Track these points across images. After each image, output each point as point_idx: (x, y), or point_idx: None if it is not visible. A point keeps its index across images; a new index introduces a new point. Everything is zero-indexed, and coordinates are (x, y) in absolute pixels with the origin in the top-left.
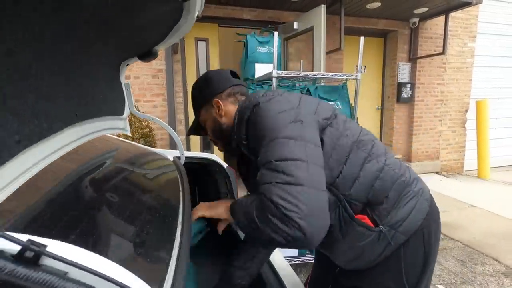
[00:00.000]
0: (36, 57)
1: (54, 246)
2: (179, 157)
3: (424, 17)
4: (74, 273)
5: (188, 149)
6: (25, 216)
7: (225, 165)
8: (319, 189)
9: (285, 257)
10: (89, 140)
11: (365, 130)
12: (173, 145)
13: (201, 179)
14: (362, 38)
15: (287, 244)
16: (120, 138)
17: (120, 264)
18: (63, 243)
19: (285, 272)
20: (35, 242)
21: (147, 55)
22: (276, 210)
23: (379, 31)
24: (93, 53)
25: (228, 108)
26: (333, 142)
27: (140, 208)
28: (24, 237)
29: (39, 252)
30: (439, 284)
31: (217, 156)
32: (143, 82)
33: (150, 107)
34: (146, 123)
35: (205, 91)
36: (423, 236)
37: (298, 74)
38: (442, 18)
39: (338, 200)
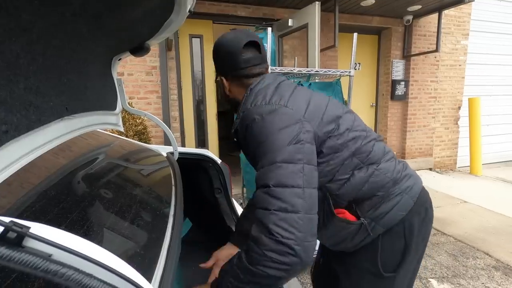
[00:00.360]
0: (24, 48)
1: (38, 228)
2: (172, 153)
3: (417, 15)
4: (58, 255)
5: (183, 146)
6: (12, 206)
7: (219, 161)
8: (313, 213)
9: None
10: (82, 136)
11: (370, 133)
12: (167, 143)
13: (195, 174)
14: (355, 35)
15: (288, 275)
16: (113, 134)
17: (111, 252)
18: (47, 226)
19: None
20: (18, 223)
21: (139, 49)
22: (272, 241)
23: (373, 28)
24: (84, 47)
25: (233, 88)
26: (332, 153)
27: (132, 201)
28: (6, 220)
29: (22, 233)
30: (431, 278)
31: (211, 152)
32: (137, 79)
33: (144, 104)
34: (140, 120)
35: (216, 63)
36: (403, 229)
37: (292, 71)
38: (435, 16)
39: (325, 197)
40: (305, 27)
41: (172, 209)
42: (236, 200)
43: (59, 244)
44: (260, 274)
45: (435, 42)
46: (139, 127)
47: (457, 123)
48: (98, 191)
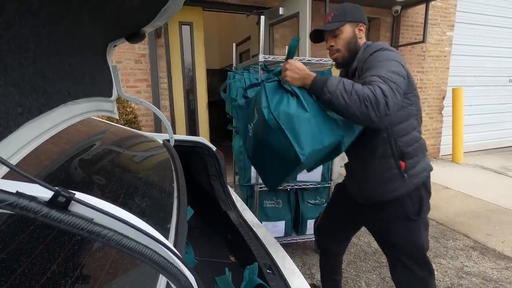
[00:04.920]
0: (32, 32)
1: (80, 195)
2: (168, 140)
3: (406, 5)
4: (99, 218)
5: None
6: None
7: (214, 148)
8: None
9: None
10: (85, 122)
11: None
12: (158, 131)
13: (191, 162)
14: None
15: (361, 119)
16: (108, 122)
17: None
18: (85, 194)
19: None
20: (65, 189)
21: (135, 36)
22: (382, 97)
23: None
24: (83, 33)
25: (362, 36)
26: (407, 105)
27: (138, 184)
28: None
29: (70, 198)
30: None
31: (205, 139)
32: (126, 67)
33: (133, 93)
34: (130, 109)
35: (359, 14)
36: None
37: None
38: (422, 7)
39: (389, 141)
40: (296, 15)
41: (176, 191)
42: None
43: (100, 209)
44: (356, 102)
45: (422, 33)
46: (130, 116)
47: (441, 113)
48: (103, 175)
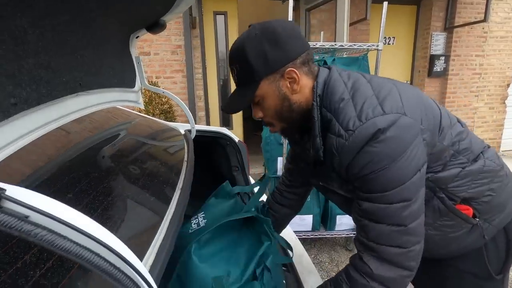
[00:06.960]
0: (32, 24)
1: (15, 191)
2: (190, 131)
3: None
4: (35, 217)
5: (208, 125)
6: (23, 177)
7: (236, 139)
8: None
9: (297, 231)
10: (102, 111)
11: (463, 128)
12: None
13: (213, 152)
14: (385, 4)
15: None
16: (137, 113)
17: (107, 224)
18: (27, 189)
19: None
20: None
21: (155, 26)
22: (409, 272)
23: None
24: (97, 24)
25: (304, 82)
26: (437, 155)
27: (140, 174)
28: None
29: None
30: None
31: (235, 131)
32: (163, 59)
33: (170, 83)
34: (166, 99)
35: (273, 54)
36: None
37: (314, 45)
38: None
39: (433, 192)
40: None
41: (181, 182)
42: (254, 179)
43: (35, 207)
44: None
45: (483, 10)
46: (165, 106)
47: (504, 103)
48: (105, 163)
